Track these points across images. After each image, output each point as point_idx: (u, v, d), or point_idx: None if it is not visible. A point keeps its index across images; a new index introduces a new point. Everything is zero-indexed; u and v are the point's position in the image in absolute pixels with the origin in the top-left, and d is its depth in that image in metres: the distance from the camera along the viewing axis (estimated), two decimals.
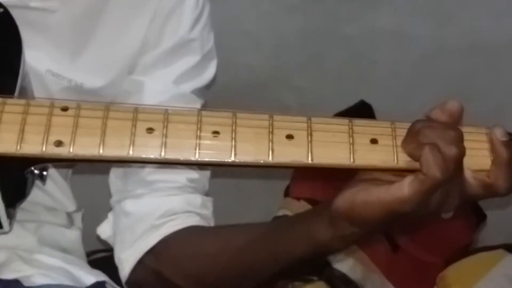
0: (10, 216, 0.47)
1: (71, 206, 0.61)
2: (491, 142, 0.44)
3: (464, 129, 0.46)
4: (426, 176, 0.40)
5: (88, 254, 0.65)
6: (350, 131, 0.47)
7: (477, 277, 0.92)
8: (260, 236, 0.51)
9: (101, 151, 0.43)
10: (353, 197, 0.43)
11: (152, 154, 0.43)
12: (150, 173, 0.56)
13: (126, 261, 0.55)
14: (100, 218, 0.59)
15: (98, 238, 0.58)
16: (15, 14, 0.48)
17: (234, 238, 0.53)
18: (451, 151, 0.40)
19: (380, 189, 0.42)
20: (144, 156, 0.43)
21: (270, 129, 0.45)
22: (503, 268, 0.92)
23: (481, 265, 0.94)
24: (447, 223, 0.57)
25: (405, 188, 0.40)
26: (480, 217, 0.99)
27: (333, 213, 0.44)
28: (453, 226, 0.94)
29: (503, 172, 0.43)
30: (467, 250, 0.99)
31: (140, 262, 0.55)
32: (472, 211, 0.97)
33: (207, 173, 0.59)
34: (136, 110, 0.45)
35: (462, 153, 0.41)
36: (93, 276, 0.54)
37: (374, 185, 0.43)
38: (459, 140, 0.42)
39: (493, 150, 0.44)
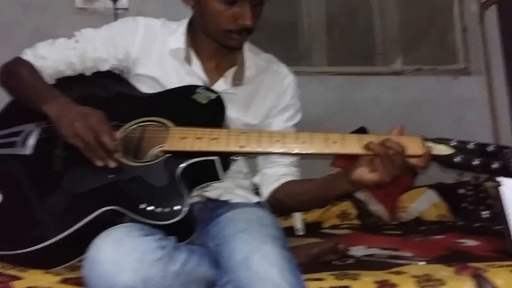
0: (224, 175, 1.06)
1: (246, 170, 1.27)
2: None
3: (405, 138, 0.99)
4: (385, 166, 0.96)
5: None
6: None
7: (415, 199, 1.81)
8: (321, 185, 1.12)
9: (258, 149, 1.01)
10: (360, 174, 0.99)
11: (279, 150, 1.01)
12: (275, 158, 1.22)
13: (265, 193, 1.21)
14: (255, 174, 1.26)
15: (253, 182, 1.25)
16: (222, 96, 1.13)
17: (312, 184, 1.15)
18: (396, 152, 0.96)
19: (370, 174, 0.98)
20: (275, 151, 1.01)
21: (326, 138, 1.00)
22: (426, 195, 1.82)
23: (416, 193, 1.84)
24: (402, 177, 1.12)
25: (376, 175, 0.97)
26: (415, 173, 1.85)
27: (351, 178, 1.00)
28: (404, 178, 1.78)
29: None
30: (410, 187, 1.85)
31: (271, 194, 1.20)
32: (411, 171, 1.77)
33: (298, 158, 1.23)
34: (271, 132, 1.04)
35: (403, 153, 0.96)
36: (256, 198, 1.18)
37: (366, 166, 0.99)
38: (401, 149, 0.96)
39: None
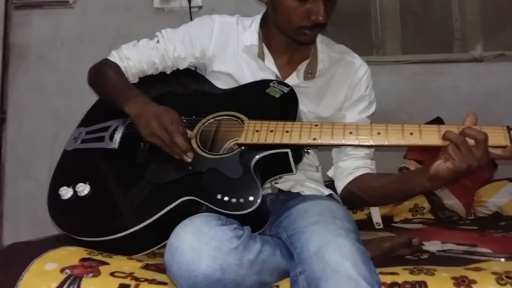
0: (296, 168, 1.08)
1: (317, 163, 1.27)
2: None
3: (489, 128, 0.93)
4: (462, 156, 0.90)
5: None
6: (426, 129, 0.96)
7: (494, 192, 1.70)
8: (398, 180, 1.09)
9: (331, 141, 1.00)
10: (436, 166, 0.94)
11: (352, 142, 0.99)
12: (349, 150, 1.20)
13: (339, 187, 1.21)
14: (327, 168, 1.25)
15: (327, 176, 1.24)
16: (295, 89, 1.13)
17: (388, 179, 1.12)
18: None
19: (445, 163, 0.92)
20: (348, 143, 1.00)
21: (402, 130, 0.97)
22: (506, 188, 1.69)
23: (496, 187, 1.71)
24: (482, 169, 1.05)
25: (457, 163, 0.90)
26: (495, 166, 1.75)
27: (429, 174, 0.95)
28: (484, 170, 1.69)
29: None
30: (488, 180, 1.73)
31: (345, 188, 1.19)
32: (491, 163, 1.70)
33: (372, 150, 1.20)
34: (344, 124, 1.02)
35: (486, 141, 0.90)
36: (327, 191, 1.19)
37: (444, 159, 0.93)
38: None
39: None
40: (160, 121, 1.04)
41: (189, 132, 1.11)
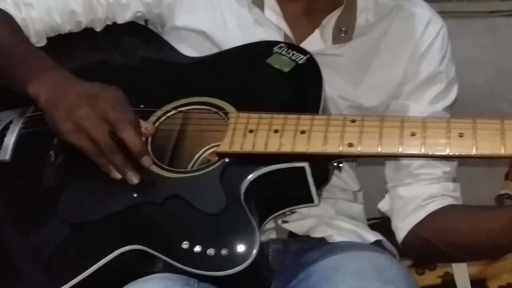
0: (319, 194, 1.06)
1: (355, 187, 1.25)
2: None
3: None
4: None
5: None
6: None
7: None
8: (499, 219, 1.07)
9: (379, 149, 0.96)
10: None
11: (415, 151, 0.95)
12: (416, 168, 1.17)
13: (401, 229, 1.18)
14: (374, 196, 1.22)
15: (378, 210, 1.22)
16: (316, 58, 1.10)
17: (483, 218, 1.10)
18: None
19: None
20: (409, 152, 0.95)
21: (502, 130, 0.93)
22: None
23: None
24: None
25: None
26: None
27: None
28: None
29: None
30: None
31: (411, 231, 1.17)
32: None
33: (455, 164, 1.18)
34: (402, 120, 0.98)
35: None
36: (373, 235, 1.15)
37: None
38: None
39: None
40: (94, 106, 1.01)
41: (144, 123, 1.10)
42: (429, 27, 1.22)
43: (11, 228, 1.07)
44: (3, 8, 1.20)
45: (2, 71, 1.15)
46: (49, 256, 1.02)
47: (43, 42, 1.23)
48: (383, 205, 1.24)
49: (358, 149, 0.98)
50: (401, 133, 0.97)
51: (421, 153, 0.96)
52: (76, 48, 1.25)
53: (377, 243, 1.17)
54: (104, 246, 0.97)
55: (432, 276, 1.68)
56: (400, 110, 1.20)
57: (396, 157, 1.11)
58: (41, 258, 1.03)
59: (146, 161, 1.02)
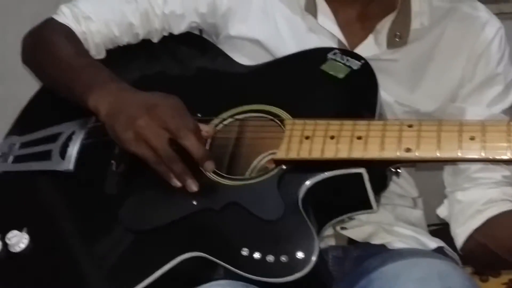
0: (377, 201, 1.06)
1: (414, 193, 1.26)
2: None
3: None
4: None
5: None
6: None
7: None
8: None
9: (438, 154, 0.97)
10: None
11: (475, 155, 0.95)
12: (474, 172, 1.18)
13: (459, 235, 1.18)
14: (435, 202, 1.22)
15: (437, 216, 1.22)
16: (371, 64, 1.12)
17: None
18: None
19: None
20: (469, 156, 0.96)
21: None
22: None
23: None
24: None
25: None
26: None
27: None
28: None
29: None
30: None
31: (470, 237, 1.17)
32: None
33: None
34: (461, 123, 0.98)
35: None
36: (434, 242, 1.16)
37: None
38: None
39: None
40: (154, 115, 1.04)
41: (204, 126, 1.12)
42: (486, 29, 1.22)
43: (74, 236, 1.09)
44: (64, 22, 1.24)
45: (63, 83, 1.19)
46: (112, 264, 1.05)
47: (102, 55, 1.26)
48: (442, 211, 1.24)
49: (416, 154, 0.98)
50: (460, 137, 0.97)
51: (481, 157, 0.96)
52: (134, 60, 1.28)
53: (439, 250, 1.17)
54: (165, 253, 1.00)
55: (496, 283, 1.66)
56: (456, 113, 1.21)
57: (455, 162, 1.12)
58: (103, 266, 1.05)
59: (209, 165, 1.04)
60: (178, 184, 1.04)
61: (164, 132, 1.03)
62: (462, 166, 1.20)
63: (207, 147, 1.10)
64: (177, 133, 1.02)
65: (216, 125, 1.13)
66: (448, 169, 1.23)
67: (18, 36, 1.29)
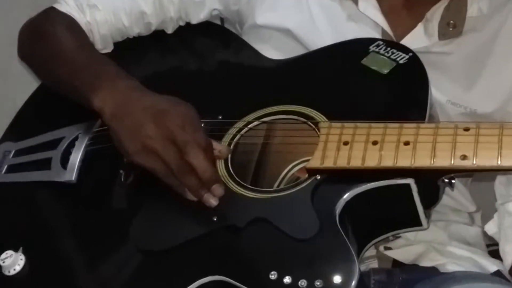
0: (428, 216, 1.04)
1: (471, 207, 1.23)
2: None
3: None
4: None
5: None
6: None
7: None
8: None
9: (499, 162, 0.94)
10: None
11: None
12: None
13: (509, 253, 1.13)
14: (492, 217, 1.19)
15: (485, 233, 1.17)
16: (421, 57, 1.09)
17: None
18: None
19: None
20: None
21: None
22: None
23: None
24: None
25: None
26: None
27: None
28: None
29: None
30: None
31: None
32: None
33: None
34: None
35: None
36: (494, 264, 1.13)
37: None
38: None
39: None
40: (162, 124, 1.04)
41: (217, 145, 1.11)
42: None
43: (77, 257, 1.09)
44: (66, 12, 1.25)
45: (64, 80, 1.19)
46: (120, 285, 1.03)
47: (109, 48, 1.27)
48: (491, 227, 1.19)
49: (474, 162, 0.95)
50: None
51: None
52: (145, 54, 1.29)
53: (499, 273, 1.14)
54: (182, 277, 0.99)
55: None
56: None
57: None
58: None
59: (217, 190, 1.03)
60: (193, 198, 1.03)
61: (173, 144, 1.02)
62: None
63: (229, 153, 1.09)
64: (184, 148, 1.02)
65: (240, 129, 1.12)
66: (500, 178, 1.19)
67: (14, 28, 1.29)
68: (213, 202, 1.02)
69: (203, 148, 1.03)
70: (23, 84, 1.31)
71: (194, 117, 1.05)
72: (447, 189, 1.08)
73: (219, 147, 1.08)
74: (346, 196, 0.99)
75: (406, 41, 1.17)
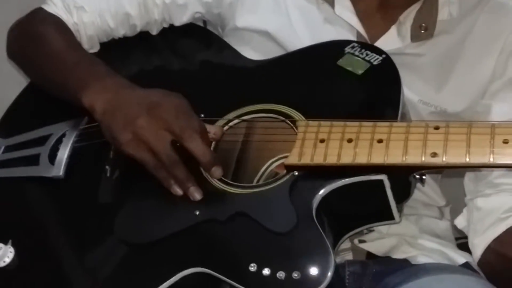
0: (400, 210, 1.06)
1: (441, 202, 1.26)
2: None
3: None
4: None
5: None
6: None
7: None
8: None
9: (467, 159, 0.96)
10: None
11: (509, 160, 0.94)
12: (497, 177, 1.16)
13: (478, 246, 1.16)
14: (461, 211, 1.21)
15: (454, 227, 1.20)
16: (394, 59, 1.11)
17: None
18: None
19: None
20: (502, 162, 0.95)
21: None
22: None
23: None
24: None
25: None
26: None
27: None
28: None
29: None
30: None
31: (489, 247, 1.14)
32: None
33: None
34: (493, 125, 0.98)
35: None
36: (463, 257, 1.16)
37: None
38: None
39: None
40: (156, 115, 1.04)
41: (211, 127, 1.12)
42: None
43: (65, 249, 1.10)
44: (54, 13, 1.25)
45: (53, 79, 1.20)
46: (105, 280, 1.05)
47: (96, 48, 1.28)
48: (461, 221, 1.21)
49: (443, 159, 0.97)
50: (492, 140, 0.96)
51: None
52: (131, 54, 1.29)
53: (467, 265, 1.16)
54: (165, 269, 1.00)
55: None
56: (481, 111, 1.19)
57: (487, 168, 1.10)
58: (96, 282, 1.05)
59: (216, 171, 1.04)
60: (179, 192, 1.04)
61: (166, 134, 1.03)
62: (485, 171, 1.18)
63: (222, 133, 1.10)
64: (181, 135, 1.03)
65: (221, 126, 1.12)
66: (469, 175, 1.22)
67: (3, 28, 1.30)
68: (197, 195, 1.03)
69: (199, 132, 1.04)
70: (11, 83, 1.31)
71: (186, 105, 1.07)
72: (418, 184, 1.10)
73: (213, 129, 1.09)
74: (322, 191, 1.01)
75: (380, 43, 1.19)
